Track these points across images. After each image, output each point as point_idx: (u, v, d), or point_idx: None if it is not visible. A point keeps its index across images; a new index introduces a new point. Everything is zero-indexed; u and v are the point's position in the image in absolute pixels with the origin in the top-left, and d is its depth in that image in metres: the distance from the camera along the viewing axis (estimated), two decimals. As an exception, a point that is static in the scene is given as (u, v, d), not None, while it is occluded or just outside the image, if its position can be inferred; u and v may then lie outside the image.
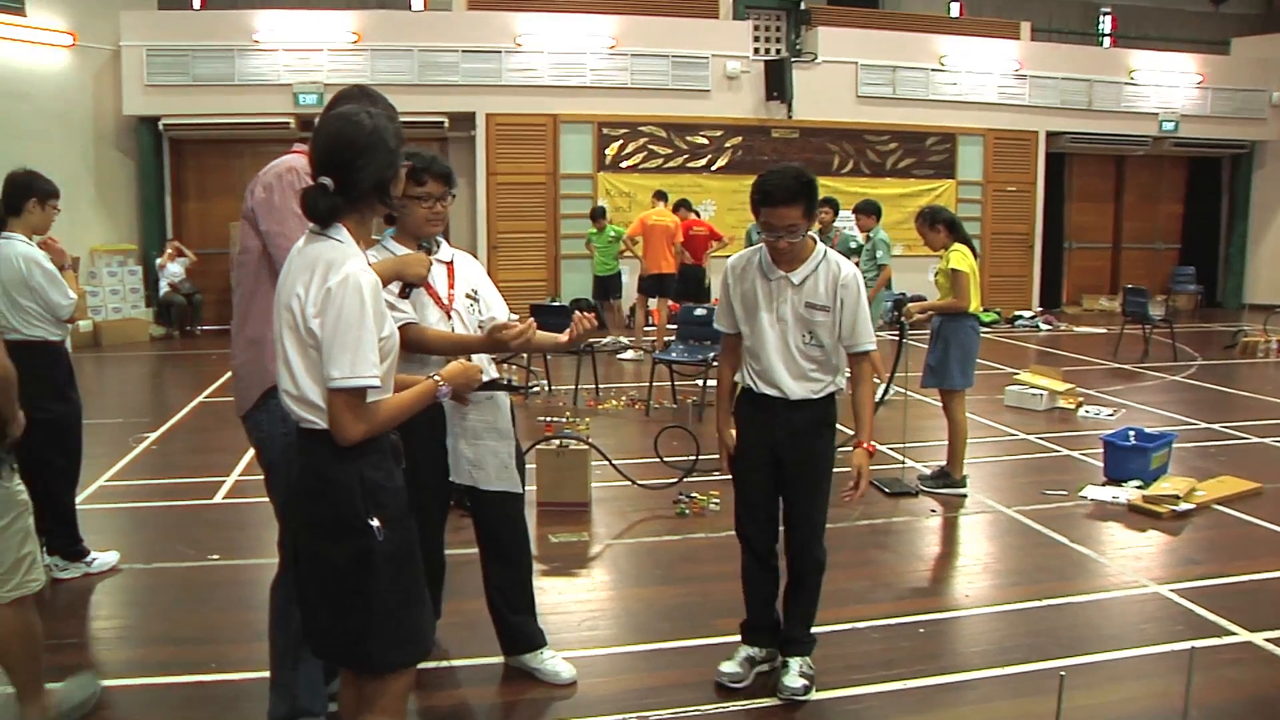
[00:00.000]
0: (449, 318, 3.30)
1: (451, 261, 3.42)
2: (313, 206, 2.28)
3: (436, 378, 2.46)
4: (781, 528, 3.46)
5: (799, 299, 3.26)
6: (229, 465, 6.30)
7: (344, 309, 2.19)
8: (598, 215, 11.87)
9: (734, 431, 3.49)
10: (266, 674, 3.06)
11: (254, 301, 2.92)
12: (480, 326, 3.36)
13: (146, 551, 4.57)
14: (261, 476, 3.06)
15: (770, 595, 3.54)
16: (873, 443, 3.37)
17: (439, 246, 3.41)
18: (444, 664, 3.64)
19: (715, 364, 3.46)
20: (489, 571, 3.56)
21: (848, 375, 3.43)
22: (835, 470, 3.43)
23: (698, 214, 12.04)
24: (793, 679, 3.38)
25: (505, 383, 3.10)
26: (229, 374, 3.12)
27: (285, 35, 12.94)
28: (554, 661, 3.57)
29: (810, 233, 3.30)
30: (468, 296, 3.38)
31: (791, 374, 3.29)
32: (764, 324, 3.30)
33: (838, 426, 3.45)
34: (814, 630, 3.52)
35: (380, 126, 2.31)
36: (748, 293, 3.34)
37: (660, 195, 11.20)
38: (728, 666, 3.49)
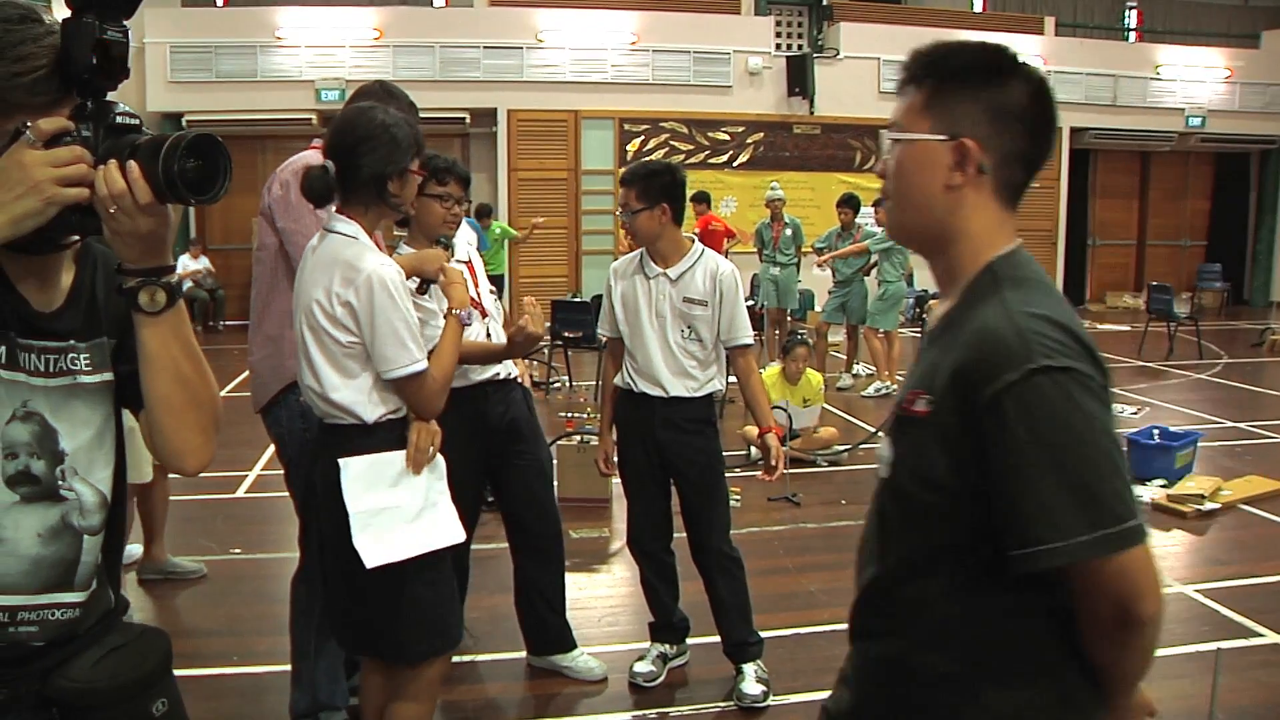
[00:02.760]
0: (485, 316, 3.31)
1: (470, 261, 3.44)
2: (309, 186, 2.34)
3: (455, 312, 2.53)
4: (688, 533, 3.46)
5: (676, 294, 3.32)
6: (251, 460, 6.34)
7: (375, 308, 2.24)
8: (483, 214, 11.30)
9: (613, 439, 3.57)
10: (289, 667, 3.08)
11: (271, 298, 2.94)
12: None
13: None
14: (282, 471, 3.07)
15: (672, 594, 3.56)
16: (779, 425, 3.47)
17: (454, 248, 3.43)
18: (472, 657, 3.65)
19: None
20: (525, 570, 3.53)
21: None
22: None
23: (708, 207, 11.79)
24: (750, 685, 3.36)
25: None
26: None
27: (308, 32, 12.99)
28: (585, 659, 3.58)
29: (692, 234, 3.47)
30: (490, 293, 3.44)
31: (670, 370, 3.33)
32: (643, 321, 3.34)
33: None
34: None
35: (392, 124, 2.34)
36: (627, 293, 3.40)
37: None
38: (641, 666, 3.52)
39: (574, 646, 3.59)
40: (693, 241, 3.42)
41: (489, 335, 3.31)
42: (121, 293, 1.27)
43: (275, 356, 2.87)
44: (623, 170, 3.42)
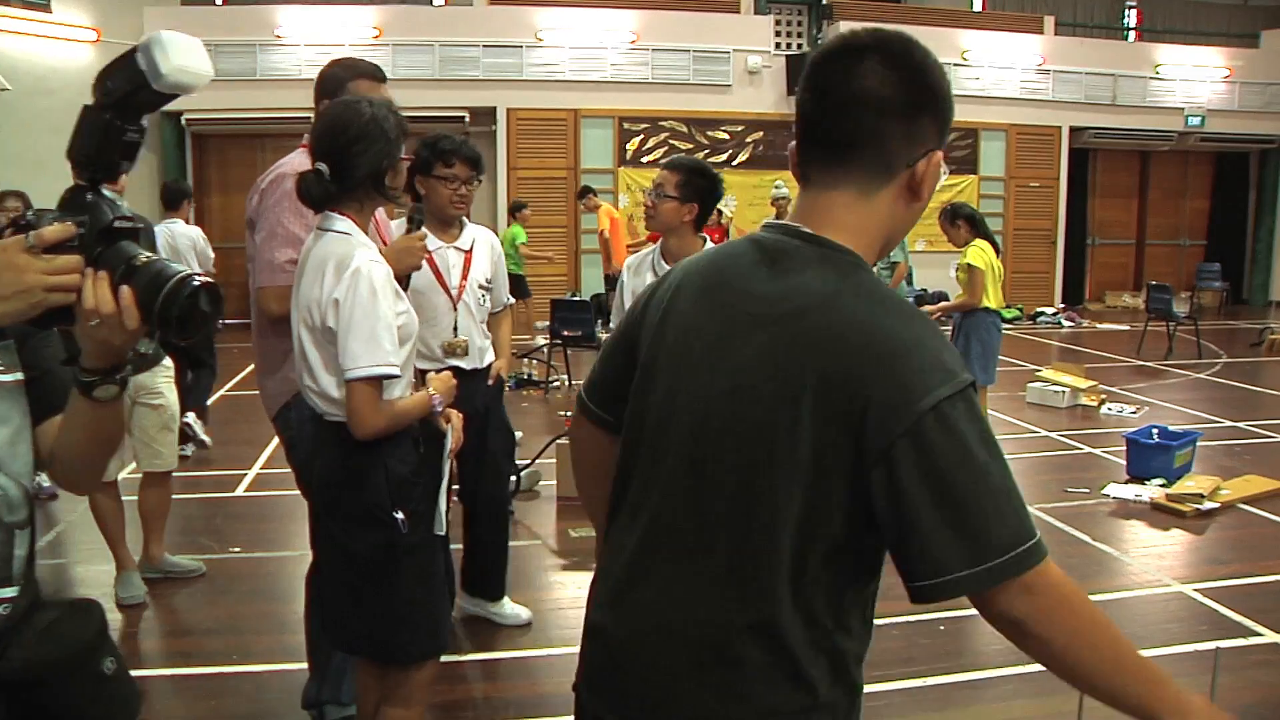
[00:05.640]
0: (454, 309, 3.34)
1: (470, 250, 3.46)
2: (306, 191, 2.32)
3: (431, 391, 2.46)
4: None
5: None
6: (251, 458, 6.34)
7: (355, 301, 2.22)
8: (514, 209, 11.66)
9: None
10: (288, 665, 3.09)
11: None
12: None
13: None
14: (285, 470, 3.06)
15: None
16: None
17: (463, 228, 3.50)
18: (466, 657, 3.66)
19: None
20: (477, 530, 3.81)
21: None
22: None
23: None
24: None
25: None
26: (251, 366, 3.15)
27: (307, 31, 12.99)
28: (512, 607, 3.89)
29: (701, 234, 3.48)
30: (481, 287, 3.48)
31: None
32: None
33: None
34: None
35: (380, 117, 2.31)
36: (639, 289, 3.44)
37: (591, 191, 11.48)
38: None
39: (503, 596, 3.88)
40: (704, 242, 3.43)
41: (455, 329, 3.41)
42: (76, 382, 1.31)
43: (283, 363, 2.85)
44: (671, 156, 3.43)
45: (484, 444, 3.63)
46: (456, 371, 3.37)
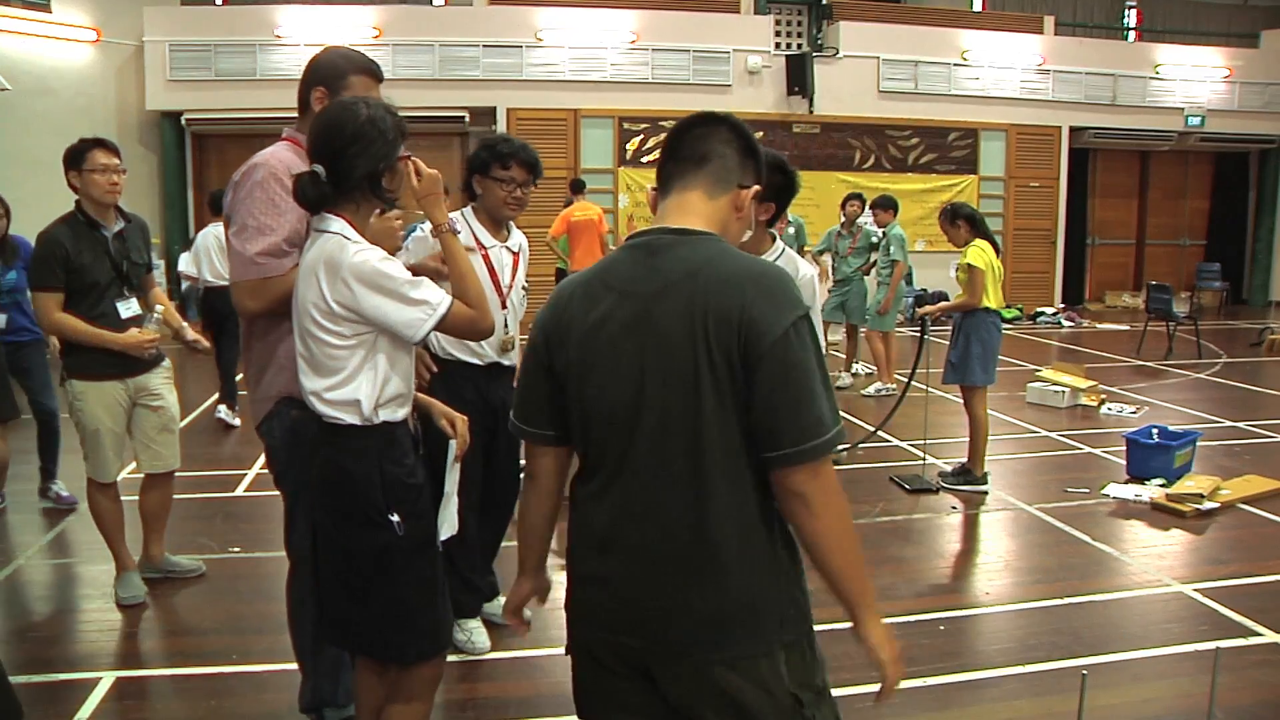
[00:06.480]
0: (504, 307, 3.52)
1: (518, 252, 3.62)
2: (302, 193, 2.32)
3: (443, 230, 2.46)
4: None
5: None
6: (250, 458, 6.34)
7: (368, 290, 2.24)
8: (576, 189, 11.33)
9: None
10: (288, 665, 3.09)
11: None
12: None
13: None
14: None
15: None
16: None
17: (510, 233, 3.61)
18: (466, 657, 3.66)
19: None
20: (475, 528, 3.71)
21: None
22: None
23: None
24: None
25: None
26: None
27: (307, 30, 12.97)
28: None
29: (772, 230, 3.48)
30: (523, 288, 3.64)
31: None
32: None
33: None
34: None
35: (377, 118, 2.30)
36: None
37: (578, 186, 10.87)
38: None
39: (497, 594, 3.87)
40: (774, 240, 3.43)
41: (506, 327, 3.53)
42: None
43: (265, 371, 2.83)
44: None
45: (512, 440, 3.72)
46: (495, 368, 3.54)
